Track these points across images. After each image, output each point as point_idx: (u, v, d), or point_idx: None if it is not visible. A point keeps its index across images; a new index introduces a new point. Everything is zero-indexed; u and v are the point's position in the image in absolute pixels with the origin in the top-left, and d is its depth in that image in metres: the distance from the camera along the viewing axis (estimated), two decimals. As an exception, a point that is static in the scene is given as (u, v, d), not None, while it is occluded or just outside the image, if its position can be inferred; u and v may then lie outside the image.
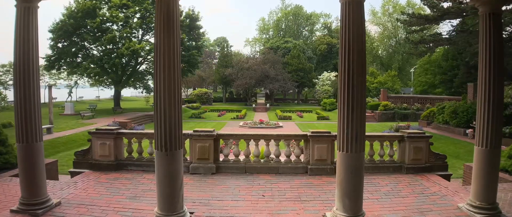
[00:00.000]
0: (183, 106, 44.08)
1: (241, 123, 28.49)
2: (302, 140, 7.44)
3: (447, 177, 7.89)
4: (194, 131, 7.16)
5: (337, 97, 4.53)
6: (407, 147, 7.53)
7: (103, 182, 6.83)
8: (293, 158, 7.53)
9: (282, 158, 7.67)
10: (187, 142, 7.42)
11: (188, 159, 7.36)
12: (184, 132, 7.44)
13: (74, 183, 6.81)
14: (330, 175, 7.04)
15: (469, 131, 20.87)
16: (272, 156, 7.55)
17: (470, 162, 8.40)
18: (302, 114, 38.10)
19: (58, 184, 6.95)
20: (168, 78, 4.29)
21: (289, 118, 34.02)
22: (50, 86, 26.79)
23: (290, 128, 26.60)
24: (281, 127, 26.95)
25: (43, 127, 20.46)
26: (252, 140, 7.50)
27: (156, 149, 4.44)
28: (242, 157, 7.66)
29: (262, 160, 7.39)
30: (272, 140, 7.51)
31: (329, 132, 7.20)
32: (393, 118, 29.71)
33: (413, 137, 7.52)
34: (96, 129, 7.76)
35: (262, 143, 7.62)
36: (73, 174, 7.79)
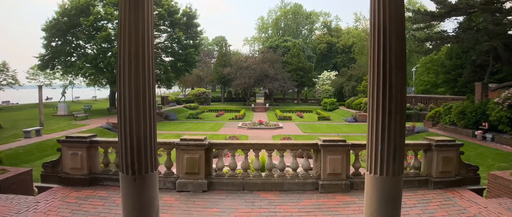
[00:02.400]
0: (180, 106, 43.04)
1: (239, 124, 27.35)
2: (312, 150, 6.21)
3: (480, 192, 6.75)
4: (181, 140, 5.92)
5: (368, 100, 3.35)
6: (434, 157, 6.35)
7: (71, 202, 5.63)
8: (300, 171, 6.32)
9: (287, 168, 6.50)
10: (173, 152, 6.23)
11: (175, 173, 6.15)
12: (169, 140, 6.28)
13: (35, 204, 5.61)
14: (345, 193, 5.85)
15: (478, 132, 19.87)
16: (275, 163, 6.34)
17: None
18: (302, 114, 37.01)
19: (18, 203, 5.75)
20: (135, 74, 3.09)
21: (289, 118, 32.91)
22: (40, 87, 25.76)
23: (290, 128, 25.53)
24: (281, 127, 25.86)
25: (32, 128, 19.63)
26: (251, 150, 6.26)
27: (121, 171, 3.25)
28: (239, 168, 6.48)
29: (263, 174, 6.16)
30: (276, 151, 6.30)
31: (344, 140, 5.99)
32: (397, 118, 28.59)
33: (441, 145, 6.34)
34: (66, 137, 6.54)
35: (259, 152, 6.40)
36: (40, 189, 6.60)
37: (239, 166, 6.43)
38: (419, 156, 6.71)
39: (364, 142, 6.53)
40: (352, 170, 6.32)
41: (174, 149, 6.08)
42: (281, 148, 6.14)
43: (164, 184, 5.99)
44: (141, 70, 3.12)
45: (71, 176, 6.38)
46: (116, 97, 40.18)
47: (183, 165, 5.87)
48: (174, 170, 6.23)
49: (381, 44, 3.15)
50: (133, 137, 3.15)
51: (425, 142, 6.52)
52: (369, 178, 3.35)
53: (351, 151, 6.20)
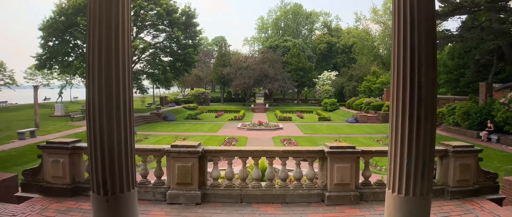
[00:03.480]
0: (179, 106, 42.46)
1: (239, 125, 26.80)
2: (317, 157, 5.62)
3: (499, 202, 6.19)
4: (172, 146, 5.33)
5: (390, 104, 2.78)
6: (451, 164, 5.78)
7: (50, 215, 5.06)
8: (304, 180, 5.74)
9: (290, 174, 5.91)
10: (163, 160, 5.65)
11: (165, 183, 5.57)
12: (159, 146, 5.70)
13: (10, 217, 5.03)
14: (354, 205, 5.27)
15: (483, 133, 19.38)
16: (276, 167, 5.76)
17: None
18: (303, 115, 36.49)
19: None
20: (107, 72, 2.52)
21: (289, 119, 32.37)
22: (36, 87, 25.29)
23: (290, 129, 25.02)
24: (281, 128, 25.36)
25: (26, 130, 19.09)
26: (250, 158, 5.67)
27: (91, 190, 2.68)
28: (236, 173, 5.91)
29: (263, 184, 5.57)
30: (277, 158, 5.72)
31: (354, 147, 5.41)
32: (399, 119, 28.08)
33: (459, 151, 5.77)
34: (47, 142, 5.97)
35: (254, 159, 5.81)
36: (20, 199, 6.02)
37: (236, 171, 5.84)
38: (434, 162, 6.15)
39: (375, 148, 5.99)
40: (361, 178, 5.74)
41: (165, 156, 5.50)
42: (283, 155, 5.55)
43: (154, 195, 5.42)
44: (114, 68, 2.54)
45: (53, 185, 5.80)
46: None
47: (175, 175, 5.29)
48: (165, 178, 5.66)
49: (407, 37, 2.58)
50: (104, 149, 2.57)
51: (441, 147, 5.94)
52: (392, 198, 2.78)
53: (361, 158, 5.63)
